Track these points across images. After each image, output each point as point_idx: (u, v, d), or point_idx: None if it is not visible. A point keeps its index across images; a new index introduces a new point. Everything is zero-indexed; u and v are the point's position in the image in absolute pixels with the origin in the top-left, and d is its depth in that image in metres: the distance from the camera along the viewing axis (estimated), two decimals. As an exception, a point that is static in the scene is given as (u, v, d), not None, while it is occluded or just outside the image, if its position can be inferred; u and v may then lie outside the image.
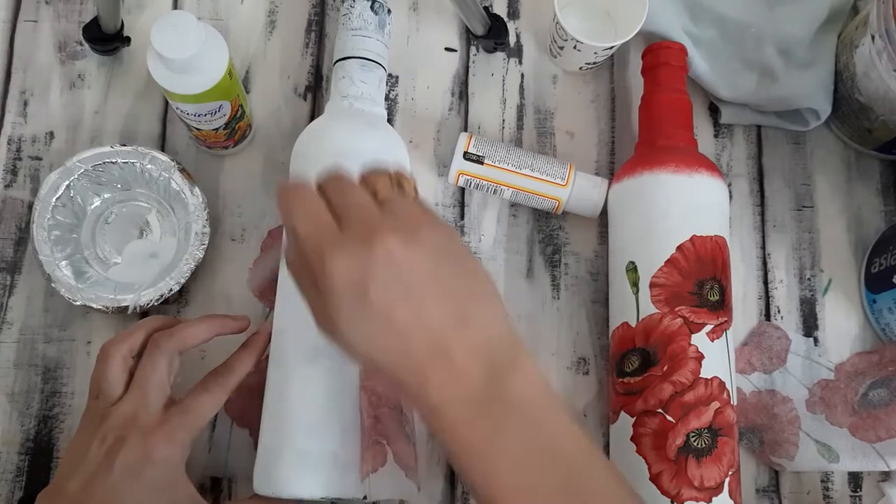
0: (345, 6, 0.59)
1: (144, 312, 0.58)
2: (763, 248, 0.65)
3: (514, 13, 0.68)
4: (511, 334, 0.41)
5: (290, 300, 0.54)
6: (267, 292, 0.60)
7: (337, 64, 0.59)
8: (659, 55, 0.61)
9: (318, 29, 0.66)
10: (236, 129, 0.60)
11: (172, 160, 0.59)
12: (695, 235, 0.55)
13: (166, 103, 0.64)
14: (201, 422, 0.49)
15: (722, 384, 0.53)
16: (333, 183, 0.42)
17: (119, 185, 0.60)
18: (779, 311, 0.63)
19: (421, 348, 0.39)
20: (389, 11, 0.59)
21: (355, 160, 0.53)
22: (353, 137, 0.55)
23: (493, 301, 0.42)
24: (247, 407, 0.57)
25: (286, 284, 0.54)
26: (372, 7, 0.58)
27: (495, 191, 0.62)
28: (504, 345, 0.41)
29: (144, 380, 0.48)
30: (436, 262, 0.40)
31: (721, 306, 0.55)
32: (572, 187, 0.61)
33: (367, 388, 0.51)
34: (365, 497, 0.50)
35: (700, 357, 0.53)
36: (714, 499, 0.51)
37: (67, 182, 0.58)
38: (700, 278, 0.55)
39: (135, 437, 0.46)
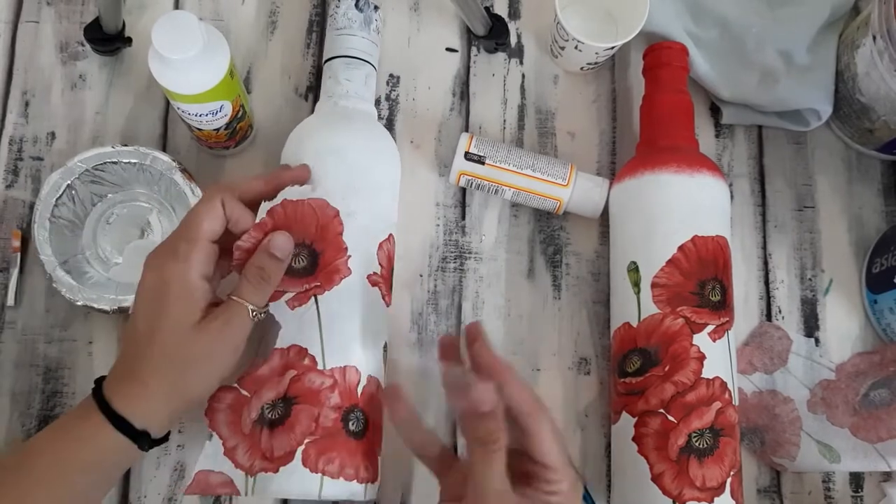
0: (332, 7, 0.59)
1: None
2: (764, 248, 0.65)
3: (514, 13, 0.68)
4: None
5: None
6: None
7: (325, 65, 0.59)
8: (660, 55, 0.61)
9: (318, 29, 0.66)
10: (237, 130, 0.60)
11: (174, 160, 0.59)
12: (696, 235, 0.55)
13: (167, 103, 0.64)
14: (196, 232, 0.48)
15: (723, 384, 0.53)
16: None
17: (120, 186, 0.60)
18: (780, 312, 0.63)
19: None
20: (376, 8, 0.59)
21: (336, 157, 0.55)
22: (331, 135, 0.56)
23: None
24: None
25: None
26: (356, 5, 0.58)
27: (496, 191, 0.62)
28: None
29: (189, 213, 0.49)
30: None
31: (722, 306, 0.55)
32: (573, 188, 0.61)
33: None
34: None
35: (702, 357, 0.53)
36: (716, 499, 0.51)
37: (68, 182, 0.58)
38: (701, 278, 0.55)
39: (150, 261, 0.48)
